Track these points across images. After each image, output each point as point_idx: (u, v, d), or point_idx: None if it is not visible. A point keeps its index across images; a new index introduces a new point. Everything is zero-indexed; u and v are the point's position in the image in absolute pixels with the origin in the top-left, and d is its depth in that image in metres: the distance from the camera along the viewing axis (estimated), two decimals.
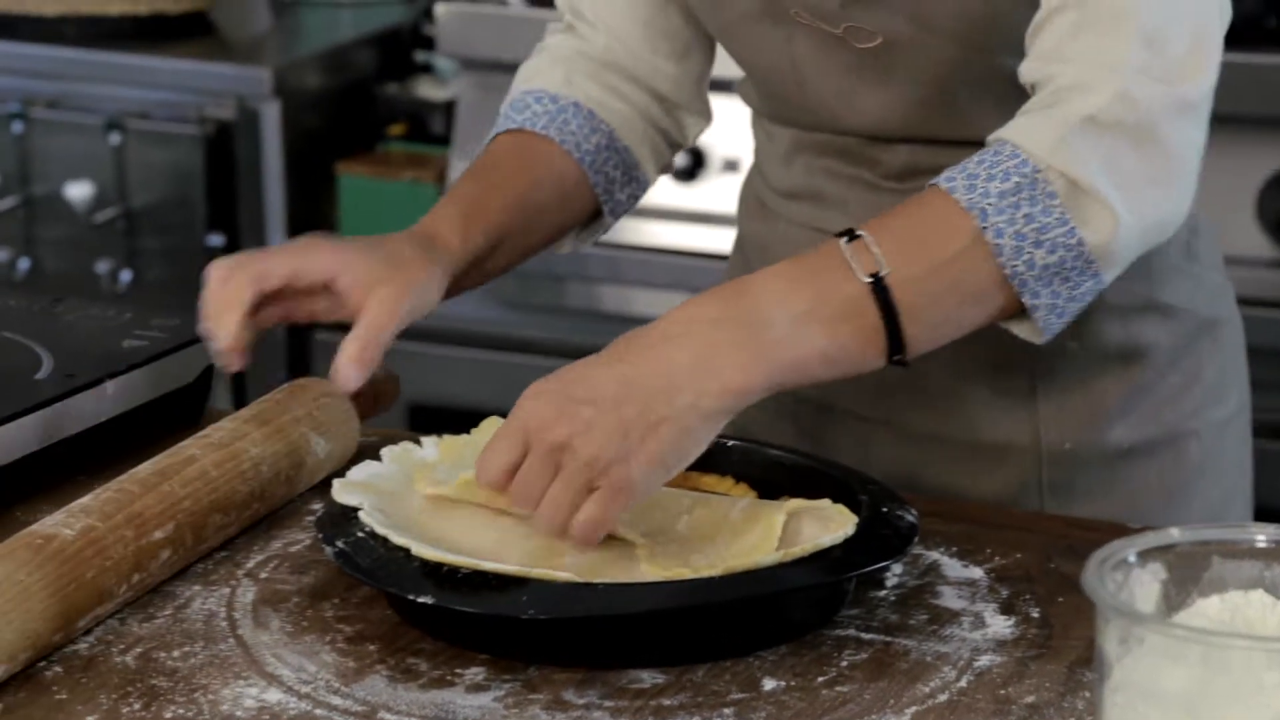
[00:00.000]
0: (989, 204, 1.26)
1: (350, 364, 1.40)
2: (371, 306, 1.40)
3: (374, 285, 1.40)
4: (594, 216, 1.57)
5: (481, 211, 1.48)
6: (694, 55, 1.57)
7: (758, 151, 1.59)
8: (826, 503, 1.29)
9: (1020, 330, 1.31)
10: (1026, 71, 1.33)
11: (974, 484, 1.50)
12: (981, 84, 1.41)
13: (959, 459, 1.50)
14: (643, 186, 1.59)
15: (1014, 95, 1.35)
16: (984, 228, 1.26)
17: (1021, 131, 1.29)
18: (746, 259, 1.59)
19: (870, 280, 1.24)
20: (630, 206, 1.59)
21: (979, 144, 1.33)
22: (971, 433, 1.49)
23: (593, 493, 1.22)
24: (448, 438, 1.38)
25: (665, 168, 1.61)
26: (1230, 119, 1.78)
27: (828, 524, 1.25)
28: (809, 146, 1.50)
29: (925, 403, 1.49)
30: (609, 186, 1.56)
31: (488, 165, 1.53)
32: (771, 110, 1.53)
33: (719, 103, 1.62)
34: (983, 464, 1.49)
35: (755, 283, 1.26)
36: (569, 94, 1.54)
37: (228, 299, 1.41)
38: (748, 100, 1.57)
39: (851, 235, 1.26)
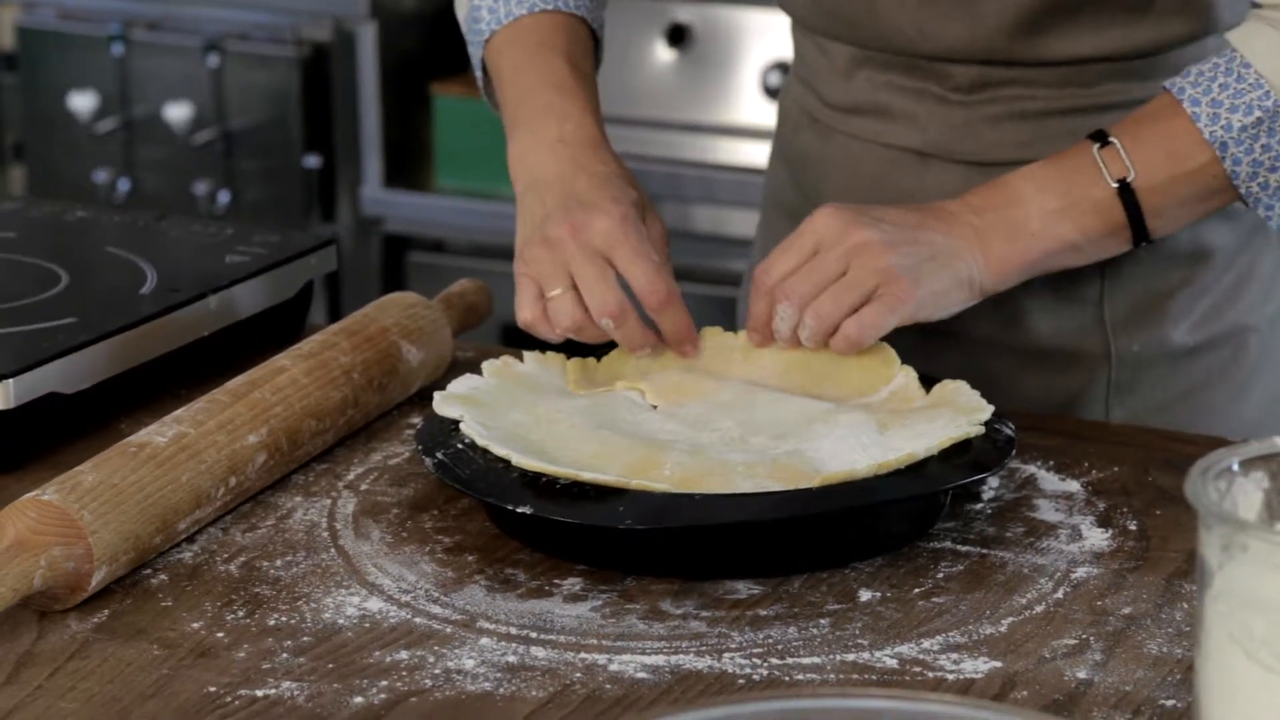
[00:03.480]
0: (1230, 137, 1.33)
1: (671, 322, 1.36)
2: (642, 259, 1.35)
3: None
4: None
5: (591, 98, 1.46)
6: None
7: (802, 66, 1.57)
8: (964, 386, 1.32)
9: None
10: None
11: (1042, 389, 1.50)
12: (1069, 9, 1.39)
13: (1028, 366, 1.50)
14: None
15: (1098, 17, 1.34)
16: (1222, 158, 1.33)
17: (1266, 58, 1.32)
18: (794, 174, 1.58)
19: (1118, 185, 1.35)
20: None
21: (1052, 64, 1.40)
22: (1040, 339, 1.49)
23: (869, 302, 1.30)
24: (550, 354, 1.39)
25: None
26: None
27: (971, 415, 1.27)
28: (873, 62, 1.49)
29: (992, 312, 1.49)
30: (600, 28, 1.53)
31: (549, 46, 1.48)
32: (832, 30, 1.51)
33: (772, 19, 1.57)
34: (1052, 369, 1.50)
35: (1013, 182, 1.37)
36: None
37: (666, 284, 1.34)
38: (795, 14, 1.54)
39: (1104, 140, 1.35)
